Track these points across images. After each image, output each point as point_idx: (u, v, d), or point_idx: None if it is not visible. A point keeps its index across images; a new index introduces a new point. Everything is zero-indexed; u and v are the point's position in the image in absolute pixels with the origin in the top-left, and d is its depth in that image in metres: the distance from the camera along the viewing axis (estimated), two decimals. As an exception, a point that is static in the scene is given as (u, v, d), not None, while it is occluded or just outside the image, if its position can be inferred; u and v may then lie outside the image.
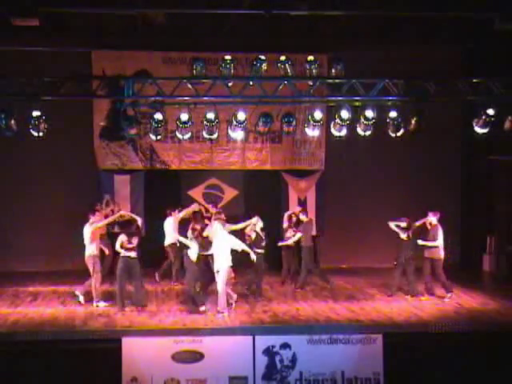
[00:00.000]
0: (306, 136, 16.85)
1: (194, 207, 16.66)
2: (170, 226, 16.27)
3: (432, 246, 15.08)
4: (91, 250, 14.37)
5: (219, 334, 12.75)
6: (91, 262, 14.33)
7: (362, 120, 14.26)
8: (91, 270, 14.34)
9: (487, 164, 18.39)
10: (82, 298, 14.49)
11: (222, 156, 18.53)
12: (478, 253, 18.79)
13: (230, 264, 13.84)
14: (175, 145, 18.19)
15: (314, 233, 17.02)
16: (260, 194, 18.56)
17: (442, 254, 15.16)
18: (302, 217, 16.29)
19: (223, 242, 13.84)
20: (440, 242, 15.10)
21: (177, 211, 16.45)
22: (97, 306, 14.18)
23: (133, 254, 14.06)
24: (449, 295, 15.06)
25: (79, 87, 14.11)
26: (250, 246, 14.49)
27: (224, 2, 14.56)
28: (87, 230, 14.44)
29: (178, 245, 15.72)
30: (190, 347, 12.49)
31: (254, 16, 14.97)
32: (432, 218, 15.21)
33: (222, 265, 13.74)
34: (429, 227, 15.26)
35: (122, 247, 14.02)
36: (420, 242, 15.13)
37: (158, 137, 15.03)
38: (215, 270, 13.82)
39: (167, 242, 16.29)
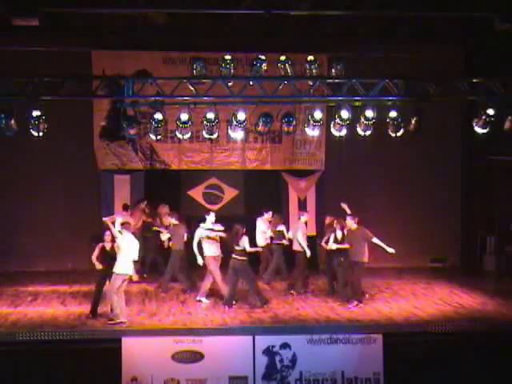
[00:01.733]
0: (306, 136, 16.88)
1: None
2: (264, 225, 16.40)
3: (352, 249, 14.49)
4: (210, 250, 14.67)
5: (219, 334, 12.76)
6: (208, 262, 14.61)
7: (362, 120, 14.25)
8: (209, 268, 14.65)
9: (487, 164, 18.38)
10: (206, 301, 14.70)
11: (221, 156, 18.52)
12: (478, 253, 18.79)
13: (130, 273, 13.25)
14: (175, 145, 18.19)
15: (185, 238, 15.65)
16: (260, 194, 18.55)
17: (364, 258, 14.57)
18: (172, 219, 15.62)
19: (130, 248, 13.29)
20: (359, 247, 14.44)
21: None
22: (199, 301, 14.41)
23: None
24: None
25: (79, 87, 14.10)
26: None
27: (224, 2, 14.56)
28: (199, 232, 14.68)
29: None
30: (190, 347, 12.49)
31: (254, 16, 14.97)
32: (350, 222, 14.54)
33: (120, 270, 13.10)
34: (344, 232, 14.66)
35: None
36: (334, 245, 14.67)
37: (158, 137, 15.03)
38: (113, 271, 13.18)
39: (261, 243, 16.13)
